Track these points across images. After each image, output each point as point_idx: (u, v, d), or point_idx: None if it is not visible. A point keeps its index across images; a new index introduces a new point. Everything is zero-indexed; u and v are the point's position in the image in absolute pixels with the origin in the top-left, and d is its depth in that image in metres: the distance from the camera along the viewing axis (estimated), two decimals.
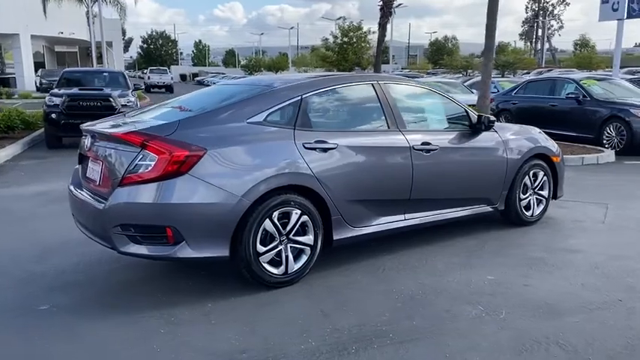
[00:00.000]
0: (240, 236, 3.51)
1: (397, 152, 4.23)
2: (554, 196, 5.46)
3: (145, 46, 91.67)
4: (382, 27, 15.51)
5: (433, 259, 4.28)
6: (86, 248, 4.26)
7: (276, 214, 3.62)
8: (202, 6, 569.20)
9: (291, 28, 69.02)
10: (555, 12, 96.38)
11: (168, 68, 53.16)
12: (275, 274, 3.68)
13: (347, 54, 31.70)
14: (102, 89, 11.50)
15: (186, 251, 3.41)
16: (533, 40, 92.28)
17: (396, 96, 4.48)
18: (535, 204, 5.27)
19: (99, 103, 10.59)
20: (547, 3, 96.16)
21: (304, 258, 3.80)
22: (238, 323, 3.22)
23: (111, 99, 10.73)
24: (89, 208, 3.67)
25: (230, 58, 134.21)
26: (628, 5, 15.65)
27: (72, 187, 4.10)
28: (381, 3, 17.88)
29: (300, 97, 3.95)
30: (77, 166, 4.28)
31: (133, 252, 3.44)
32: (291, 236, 3.72)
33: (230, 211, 3.46)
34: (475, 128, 4.78)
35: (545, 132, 5.67)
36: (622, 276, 3.92)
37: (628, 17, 15.81)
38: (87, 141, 3.99)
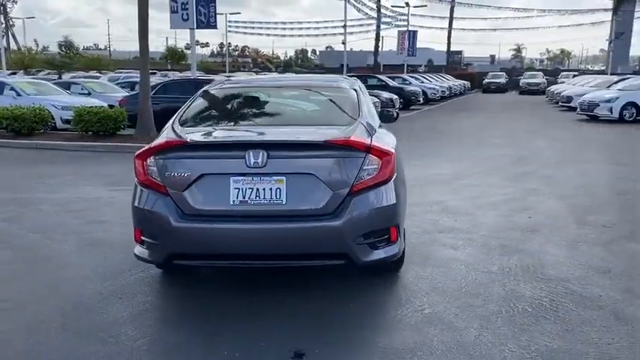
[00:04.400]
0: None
1: None
2: None
3: None
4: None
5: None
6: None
7: None
8: None
9: None
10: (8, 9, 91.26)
11: None
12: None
13: None
14: None
15: (400, 248, 3.46)
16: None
17: None
18: None
19: None
20: None
21: None
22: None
23: None
24: (303, 232, 3.23)
25: None
26: (196, 17, 18.11)
27: (197, 222, 3.15)
28: None
29: None
30: (167, 196, 3.25)
31: (374, 259, 3.36)
32: None
33: (406, 204, 3.69)
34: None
35: None
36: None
37: (198, 27, 18.25)
38: (238, 157, 3.24)
